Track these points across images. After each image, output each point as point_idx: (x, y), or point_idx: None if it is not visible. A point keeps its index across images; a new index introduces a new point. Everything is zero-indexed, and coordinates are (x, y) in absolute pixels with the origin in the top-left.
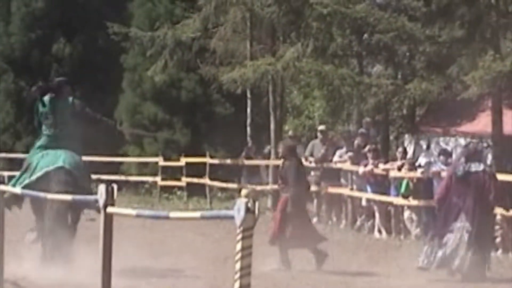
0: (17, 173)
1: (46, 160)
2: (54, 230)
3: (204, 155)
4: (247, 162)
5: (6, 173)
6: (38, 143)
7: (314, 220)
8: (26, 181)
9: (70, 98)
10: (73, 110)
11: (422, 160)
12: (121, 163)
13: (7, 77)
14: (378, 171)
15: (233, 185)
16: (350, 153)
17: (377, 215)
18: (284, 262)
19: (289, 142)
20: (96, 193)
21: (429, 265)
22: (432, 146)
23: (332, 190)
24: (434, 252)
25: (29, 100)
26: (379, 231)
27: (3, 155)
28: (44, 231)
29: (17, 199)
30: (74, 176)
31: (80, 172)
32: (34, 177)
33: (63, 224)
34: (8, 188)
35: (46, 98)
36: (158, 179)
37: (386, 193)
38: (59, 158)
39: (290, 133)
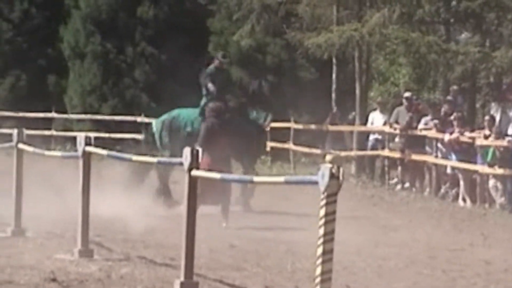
0: (102, 135)
1: None
2: None
3: (288, 120)
4: (331, 128)
5: (92, 135)
6: None
7: (398, 187)
8: None
9: None
10: None
11: (510, 129)
12: None
13: (94, 40)
14: (464, 139)
15: (317, 151)
16: (435, 121)
17: (461, 183)
18: None
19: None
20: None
21: None
22: None
23: (416, 157)
24: None
25: None
26: (464, 200)
27: (89, 116)
28: None
29: None
30: None
31: None
32: None
33: None
34: (95, 149)
35: None
36: None
37: (472, 161)
38: None
39: (378, 99)
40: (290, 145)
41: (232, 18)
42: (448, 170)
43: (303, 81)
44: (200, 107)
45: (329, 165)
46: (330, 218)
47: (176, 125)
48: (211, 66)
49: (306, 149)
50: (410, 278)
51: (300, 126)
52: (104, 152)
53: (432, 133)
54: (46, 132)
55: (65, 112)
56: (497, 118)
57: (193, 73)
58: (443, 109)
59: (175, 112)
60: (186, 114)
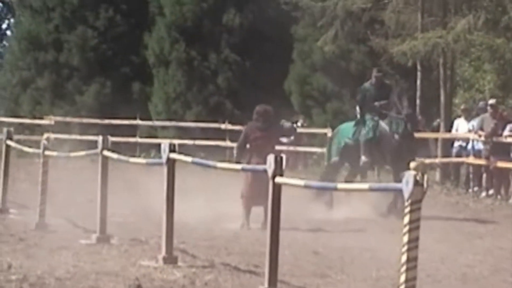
0: (187, 142)
1: None
2: None
3: None
4: (416, 134)
5: (177, 142)
6: None
7: (483, 194)
8: None
9: None
10: None
11: None
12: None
13: (178, 46)
14: None
15: None
16: None
17: None
18: None
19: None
20: None
21: None
22: None
23: (501, 164)
24: None
25: None
26: None
27: (174, 123)
28: None
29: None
30: None
31: None
32: None
33: None
34: (179, 156)
35: None
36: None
37: None
38: None
39: (463, 106)
40: None
41: (316, 25)
42: None
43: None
44: (355, 121)
45: (414, 172)
46: (414, 225)
47: (337, 137)
48: (366, 84)
49: None
50: (495, 286)
51: None
52: (188, 159)
53: None
54: (131, 139)
55: (149, 119)
56: None
57: (277, 80)
58: None
59: (341, 125)
60: (347, 126)
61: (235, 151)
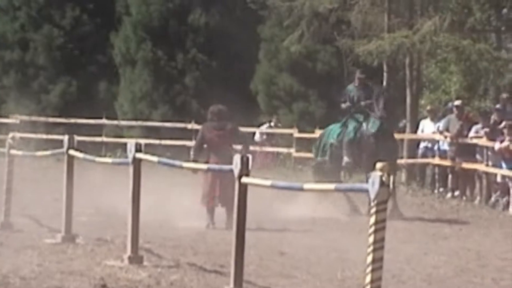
0: (153, 141)
1: None
2: None
3: None
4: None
5: (143, 141)
6: None
7: (449, 195)
8: None
9: None
10: None
11: None
12: (255, 133)
13: (145, 46)
14: None
15: None
16: (486, 129)
17: None
18: None
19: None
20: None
21: None
22: None
23: (467, 165)
24: None
25: None
26: None
27: (140, 123)
28: None
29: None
30: None
31: None
32: None
33: None
34: (145, 156)
35: None
36: (292, 150)
37: None
38: None
39: (428, 107)
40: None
41: (282, 25)
42: (499, 179)
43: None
44: (341, 122)
45: (380, 173)
46: (380, 226)
47: (324, 137)
48: (349, 86)
49: None
50: (460, 286)
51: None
52: (154, 158)
53: (483, 141)
54: (97, 139)
55: (115, 119)
56: None
57: (243, 80)
58: (492, 117)
59: (329, 126)
60: (334, 127)
61: (192, 152)
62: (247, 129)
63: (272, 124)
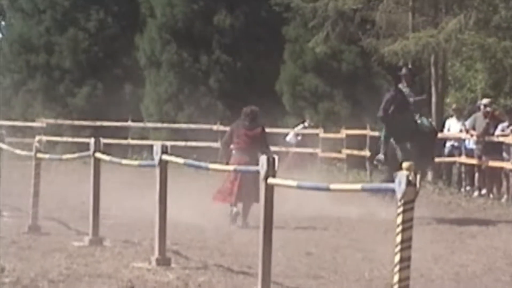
0: (179, 143)
1: None
2: None
3: (364, 128)
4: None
5: (169, 143)
6: None
7: (476, 193)
8: None
9: None
10: None
11: None
12: (282, 134)
13: (170, 48)
14: None
15: None
16: None
17: None
18: None
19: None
20: None
21: None
22: None
23: (493, 164)
24: None
25: None
26: None
27: (166, 125)
28: None
29: None
30: None
31: None
32: None
33: None
34: (171, 158)
35: None
36: (318, 150)
37: None
38: None
39: (454, 106)
40: (366, 152)
41: (307, 25)
42: None
43: (378, 88)
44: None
45: (406, 172)
46: (407, 225)
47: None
48: (399, 85)
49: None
50: (488, 285)
51: (376, 133)
52: (180, 160)
53: (509, 140)
54: (123, 141)
55: (141, 121)
56: None
57: (268, 81)
58: None
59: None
60: None
61: (220, 149)
62: (272, 130)
63: (306, 124)
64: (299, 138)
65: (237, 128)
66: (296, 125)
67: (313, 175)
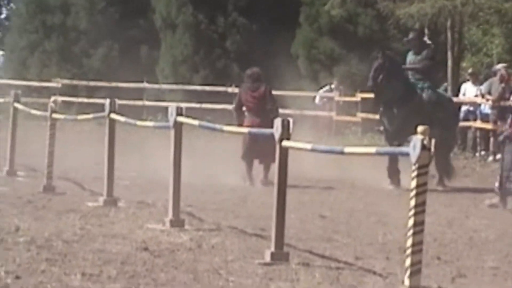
0: (194, 105)
1: None
2: None
3: None
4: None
5: (184, 105)
6: None
7: (490, 158)
8: None
9: None
10: None
11: None
12: (296, 97)
13: (185, 10)
14: None
15: None
16: None
17: None
18: None
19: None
20: None
21: None
22: None
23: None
24: None
25: None
26: None
27: (181, 87)
28: None
29: None
30: None
31: None
32: None
33: None
34: (186, 119)
35: None
36: (333, 114)
37: None
38: None
39: (470, 70)
40: None
41: None
42: None
43: (394, 51)
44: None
45: (421, 137)
46: (421, 189)
47: None
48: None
49: None
50: (502, 250)
51: None
52: (195, 122)
53: None
54: (138, 102)
55: (156, 83)
56: None
57: (284, 44)
58: None
59: None
60: None
61: (234, 114)
62: (287, 93)
63: (333, 86)
64: (325, 100)
65: (244, 91)
66: (322, 87)
67: (328, 138)
